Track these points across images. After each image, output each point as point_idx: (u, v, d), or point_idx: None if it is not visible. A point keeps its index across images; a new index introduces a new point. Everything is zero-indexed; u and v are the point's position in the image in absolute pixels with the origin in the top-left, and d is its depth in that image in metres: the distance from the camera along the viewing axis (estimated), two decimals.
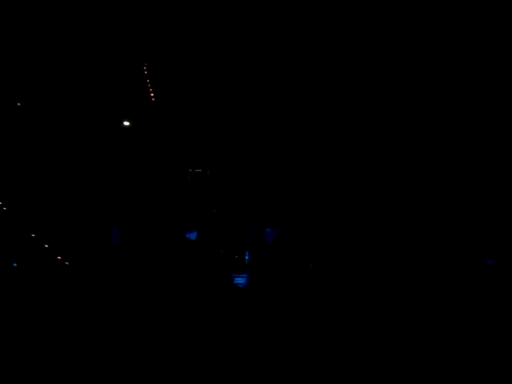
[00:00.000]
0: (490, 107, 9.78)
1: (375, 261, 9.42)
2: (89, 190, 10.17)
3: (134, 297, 8.47)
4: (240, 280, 9.56)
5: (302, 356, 6.62)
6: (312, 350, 6.79)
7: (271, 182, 10.33)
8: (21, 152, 10.14)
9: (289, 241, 9.85)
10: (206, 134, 10.36)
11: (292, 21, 10.01)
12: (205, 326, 7.36)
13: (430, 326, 7.47)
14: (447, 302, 8.30)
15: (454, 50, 9.85)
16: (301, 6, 10.09)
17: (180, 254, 9.76)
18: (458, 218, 9.71)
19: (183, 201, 10.24)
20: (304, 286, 9.15)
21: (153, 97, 10.35)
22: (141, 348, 6.68)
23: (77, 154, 10.19)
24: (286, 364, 6.46)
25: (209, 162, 10.36)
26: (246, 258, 9.89)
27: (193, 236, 10.02)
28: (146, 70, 10.34)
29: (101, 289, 8.91)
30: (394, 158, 10.06)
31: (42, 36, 10.18)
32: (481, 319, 7.64)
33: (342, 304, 8.29)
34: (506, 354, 6.67)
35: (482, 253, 9.33)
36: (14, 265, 9.31)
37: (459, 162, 9.84)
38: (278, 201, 10.27)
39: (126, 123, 10.27)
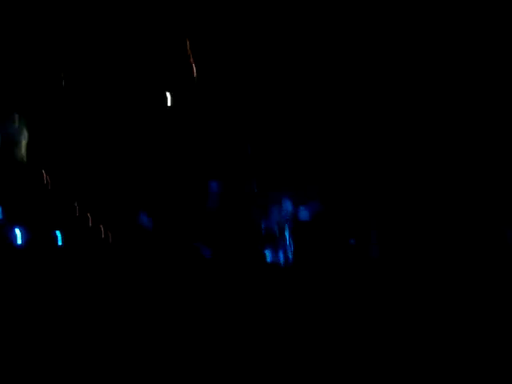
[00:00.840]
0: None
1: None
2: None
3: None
4: (279, 256, 9.57)
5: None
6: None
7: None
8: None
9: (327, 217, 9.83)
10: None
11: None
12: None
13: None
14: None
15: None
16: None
17: (218, 227, 9.77)
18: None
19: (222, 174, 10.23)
20: (346, 264, 9.16)
21: (195, 74, 10.30)
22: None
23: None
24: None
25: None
26: (287, 235, 9.88)
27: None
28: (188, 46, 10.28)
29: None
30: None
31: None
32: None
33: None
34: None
35: None
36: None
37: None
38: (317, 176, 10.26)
39: (169, 101, 10.25)
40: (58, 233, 9.57)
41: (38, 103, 10.38)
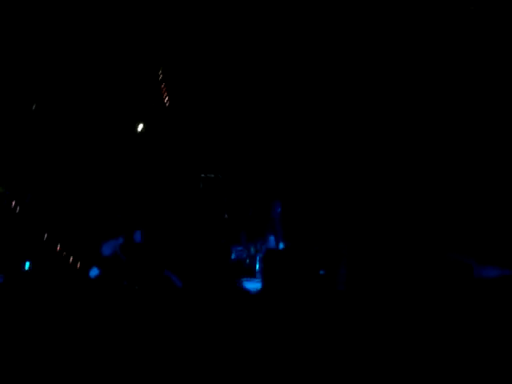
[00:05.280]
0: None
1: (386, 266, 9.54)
2: (100, 194, 10.18)
3: (140, 299, 8.49)
4: (251, 285, 9.64)
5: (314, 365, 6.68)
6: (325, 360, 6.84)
7: (282, 186, 10.44)
8: (33, 154, 10.14)
9: (299, 247, 9.96)
10: (219, 138, 10.43)
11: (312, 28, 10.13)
12: (213, 332, 7.39)
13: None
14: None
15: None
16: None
17: (190, 258, 9.79)
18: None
19: (195, 206, 10.30)
20: (316, 292, 9.27)
21: (167, 101, 10.40)
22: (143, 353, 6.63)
23: (89, 157, 10.21)
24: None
25: (221, 166, 10.44)
26: (257, 263, 9.97)
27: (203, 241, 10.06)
28: (160, 74, 10.40)
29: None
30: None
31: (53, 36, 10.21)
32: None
33: (355, 311, 8.39)
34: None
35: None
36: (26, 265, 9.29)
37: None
38: (290, 206, 10.40)
39: (140, 127, 10.31)
40: (26, 262, 9.48)
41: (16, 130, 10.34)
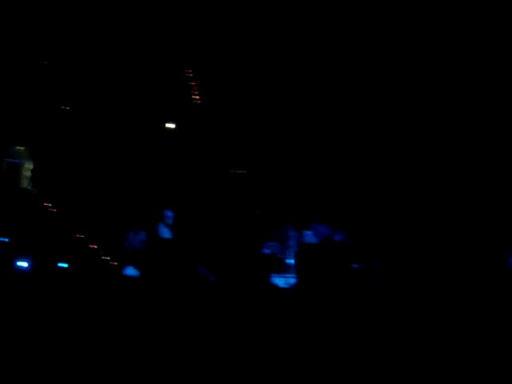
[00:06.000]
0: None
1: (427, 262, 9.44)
2: (133, 191, 10.30)
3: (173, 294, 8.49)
4: (282, 280, 9.62)
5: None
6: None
7: (313, 182, 10.43)
8: (68, 155, 10.33)
9: (334, 241, 9.92)
10: (249, 134, 10.46)
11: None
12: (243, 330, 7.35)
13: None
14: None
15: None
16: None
17: (223, 253, 9.82)
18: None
19: (227, 202, 10.33)
20: (351, 286, 9.22)
21: (197, 99, 10.47)
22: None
23: (121, 155, 10.33)
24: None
25: (251, 162, 10.46)
26: (289, 259, 9.95)
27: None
28: (190, 73, 10.47)
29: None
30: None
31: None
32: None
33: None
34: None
35: None
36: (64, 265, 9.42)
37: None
38: (322, 200, 10.38)
39: (170, 125, 10.40)
40: (62, 263, 9.59)
41: (43, 136, 10.53)
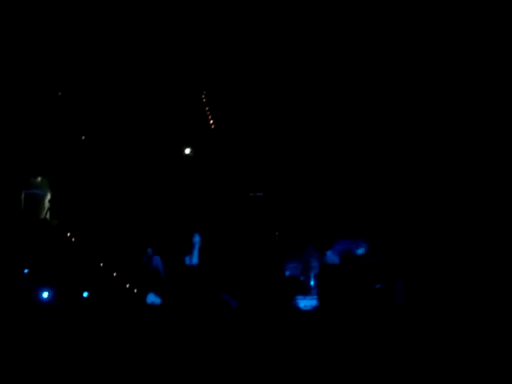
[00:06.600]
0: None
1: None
2: (154, 214, 10.33)
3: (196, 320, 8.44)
4: (305, 303, 9.51)
5: None
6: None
7: (331, 204, 10.38)
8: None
9: (354, 261, 9.81)
10: (266, 158, 10.46)
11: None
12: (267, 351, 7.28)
13: None
14: None
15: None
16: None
17: (244, 276, 9.76)
18: None
19: (246, 224, 10.30)
20: (374, 305, 9.09)
21: (212, 123, 10.50)
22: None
23: (140, 183, 10.37)
24: None
25: (270, 185, 10.44)
26: (312, 280, 9.85)
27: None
28: (204, 97, 10.52)
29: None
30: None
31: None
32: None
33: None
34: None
35: None
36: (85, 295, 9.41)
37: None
38: (343, 218, 10.32)
39: (188, 150, 10.42)
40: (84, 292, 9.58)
41: (61, 166, 10.60)
